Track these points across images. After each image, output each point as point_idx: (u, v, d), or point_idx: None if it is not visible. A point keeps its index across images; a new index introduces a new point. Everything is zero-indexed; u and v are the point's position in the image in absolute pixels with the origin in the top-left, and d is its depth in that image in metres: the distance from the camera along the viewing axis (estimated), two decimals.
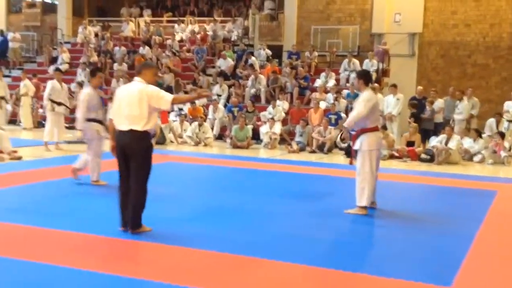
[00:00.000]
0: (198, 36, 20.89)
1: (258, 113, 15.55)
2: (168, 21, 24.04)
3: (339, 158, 12.89)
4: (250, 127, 14.72)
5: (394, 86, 14.97)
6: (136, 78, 5.63)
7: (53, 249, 4.98)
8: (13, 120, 17.80)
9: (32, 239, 5.30)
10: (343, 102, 15.70)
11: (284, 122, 15.44)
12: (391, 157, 12.86)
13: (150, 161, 5.54)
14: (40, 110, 17.56)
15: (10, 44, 22.11)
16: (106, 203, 7.02)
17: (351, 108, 14.31)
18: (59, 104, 11.97)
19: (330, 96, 16.00)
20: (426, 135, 13.94)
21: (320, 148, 13.80)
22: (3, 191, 7.56)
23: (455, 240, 5.82)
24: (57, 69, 12.64)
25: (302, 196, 7.94)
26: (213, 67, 19.19)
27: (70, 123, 15.40)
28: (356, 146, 6.97)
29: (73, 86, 18.66)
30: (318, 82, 17.07)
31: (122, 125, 5.49)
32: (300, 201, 7.57)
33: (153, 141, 5.81)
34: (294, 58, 18.69)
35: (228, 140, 14.56)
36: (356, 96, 14.92)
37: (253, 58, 18.55)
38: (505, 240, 6.05)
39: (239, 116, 15.01)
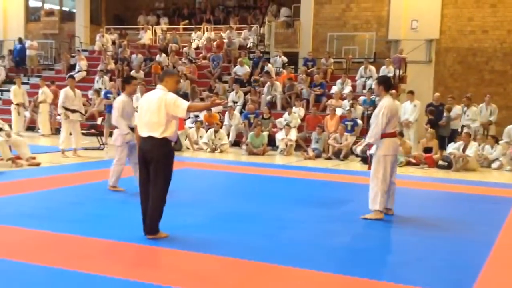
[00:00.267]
0: (214, 44, 20.97)
1: (274, 120, 15.55)
2: (185, 29, 24.18)
3: (356, 164, 12.83)
4: (266, 133, 14.73)
5: (411, 92, 14.89)
6: (158, 86, 5.71)
7: (71, 254, 5.01)
8: (31, 126, 17.99)
9: (50, 245, 5.33)
10: (359, 109, 15.65)
11: (300, 128, 15.41)
12: (408, 163, 12.78)
13: (170, 168, 5.57)
14: (58, 117, 17.72)
15: (28, 52, 22.37)
16: (123, 209, 7.07)
17: (368, 115, 14.33)
18: (73, 111, 12.03)
19: (346, 103, 15.96)
20: (442, 141, 13.83)
21: (336, 154, 13.76)
22: (22, 196, 7.63)
23: (474, 247, 5.75)
24: (71, 76, 12.72)
25: (318, 203, 7.91)
26: (229, 74, 19.25)
27: (88, 129, 15.57)
28: (372, 151, 6.96)
29: (90, 93, 18.84)
30: (334, 89, 17.04)
31: (143, 132, 5.59)
32: (316, 208, 7.54)
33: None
34: (310, 65, 18.68)
35: (244, 147, 14.57)
36: (372, 102, 14.95)
37: (269, 65, 18.58)
38: None
39: (255, 122, 15.02)
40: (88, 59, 21.86)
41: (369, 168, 7.23)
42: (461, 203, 8.61)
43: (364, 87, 17.27)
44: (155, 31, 23.84)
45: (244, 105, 16.96)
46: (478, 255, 5.42)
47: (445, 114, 14.28)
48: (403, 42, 18.77)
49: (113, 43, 22.90)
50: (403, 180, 9.58)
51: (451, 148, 12.86)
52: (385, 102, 6.85)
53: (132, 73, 19.56)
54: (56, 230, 5.75)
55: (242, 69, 18.62)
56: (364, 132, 14.36)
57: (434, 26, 18.73)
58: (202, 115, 16.10)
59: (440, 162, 12.67)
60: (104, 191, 8.27)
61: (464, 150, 12.48)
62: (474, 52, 18.54)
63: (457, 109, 14.48)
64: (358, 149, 7.29)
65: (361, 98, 16.24)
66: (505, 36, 18.15)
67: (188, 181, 9.42)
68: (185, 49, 21.22)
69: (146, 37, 22.95)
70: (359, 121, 15.07)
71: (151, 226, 5.55)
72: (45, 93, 17.11)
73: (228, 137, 15.32)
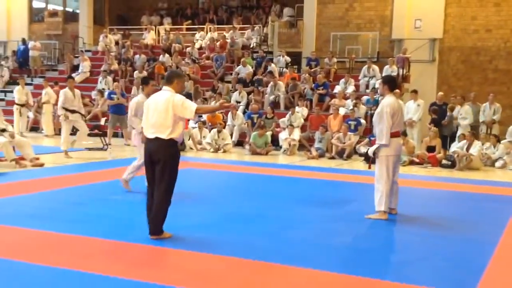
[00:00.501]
0: (217, 44, 20.99)
1: (277, 120, 15.55)
2: (188, 29, 24.19)
3: (359, 164, 12.82)
4: (269, 133, 14.73)
5: (415, 92, 14.87)
6: (165, 87, 5.69)
7: (74, 255, 5.01)
8: (35, 127, 18.02)
9: (53, 245, 5.34)
10: (362, 108, 15.64)
11: (303, 128, 15.41)
12: (412, 163, 12.77)
13: (175, 169, 5.58)
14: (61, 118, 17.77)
15: (31, 53, 22.41)
16: (126, 209, 7.09)
17: (371, 115, 14.32)
18: (73, 112, 12.02)
19: (350, 102, 15.95)
20: (444, 141, 13.81)
21: (340, 154, 13.75)
22: (26, 197, 7.65)
23: (478, 247, 5.74)
24: (70, 77, 12.68)
25: (322, 202, 7.91)
26: (232, 74, 19.25)
27: (91, 130, 15.59)
28: (370, 151, 6.97)
29: (93, 93, 18.87)
30: (338, 88, 17.03)
31: (150, 133, 5.59)
32: (320, 207, 7.54)
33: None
34: (313, 65, 18.67)
35: (247, 147, 14.58)
36: (376, 102, 14.93)
37: (272, 65, 18.58)
38: None
39: (258, 122, 15.03)
40: (92, 60, 21.89)
41: (369, 167, 7.23)
42: (464, 202, 8.60)
43: (367, 87, 17.26)
44: (158, 31, 23.87)
45: (247, 105, 16.97)
46: (482, 254, 5.40)
47: (448, 113, 14.27)
48: (407, 42, 18.73)
49: (117, 43, 22.94)
50: (407, 180, 9.58)
51: (455, 147, 12.84)
52: (388, 101, 6.84)
53: (135, 73, 19.60)
54: (59, 230, 5.76)
55: (244, 69, 18.61)
56: (367, 132, 14.39)
57: (438, 25, 18.69)
58: (205, 115, 16.11)
59: (444, 161, 12.66)
60: (107, 191, 8.29)
61: (467, 149, 12.46)
62: (478, 51, 18.49)
63: (461, 108, 14.45)
64: (370, 150, 7.23)
65: (365, 98, 16.23)
66: (509, 35, 18.09)
67: (192, 181, 9.42)
68: (188, 49, 21.23)
69: (149, 37, 22.98)
70: (363, 121, 15.06)
71: (155, 226, 5.55)
72: (48, 93, 17.14)
73: (231, 137, 15.33)
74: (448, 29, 18.75)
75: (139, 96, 8.31)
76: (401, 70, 17.24)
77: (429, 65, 18.79)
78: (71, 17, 25.88)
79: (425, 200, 8.77)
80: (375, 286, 4.45)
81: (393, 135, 6.86)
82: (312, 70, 18.25)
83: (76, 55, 22.53)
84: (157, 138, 5.51)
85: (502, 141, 13.36)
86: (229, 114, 16.11)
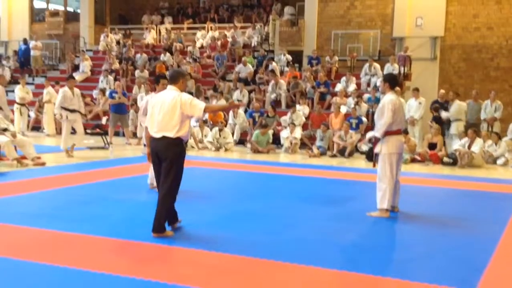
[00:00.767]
0: (219, 43, 20.99)
1: (278, 118, 15.55)
2: (189, 28, 24.20)
3: (361, 162, 12.82)
4: (270, 132, 14.73)
5: (417, 90, 14.86)
6: (170, 87, 5.71)
7: (78, 253, 5.02)
8: (36, 126, 18.04)
9: (58, 244, 5.34)
10: (364, 107, 15.64)
11: (304, 126, 15.41)
12: (413, 161, 12.77)
13: (181, 167, 5.62)
14: (58, 116, 17.78)
15: (32, 52, 22.44)
16: (130, 208, 7.09)
17: (372, 113, 14.31)
18: (72, 111, 12.02)
19: (351, 101, 15.95)
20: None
21: (341, 152, 13.75)
22: (28, 196, 7.66)
23: (479, 244, 5.74)
24: (71, 77, 12.65)
25: (323, 200, 7.91)
26: (233, 73, 19.25)
27: (93, 129, 15.61)
28: (377, 149, 6.96)
29: (95, 93, 18.88)
30: (339, 87, 17.03)
31: (156, 132, 5.59)
32: (322, 205, 7.54)
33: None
34: (315, 63, 18.67)
35: (249, 145, 14.58)
36: (377, 100, 14.92)
37: (273, 63, 18.58)
38: None
39: (260, 121, 15.04)
40: (93, 59, 21.92)
41: (374, 166, 7.22)
42: (466, 199, 8.60)
43: (368, 85, 17.27)
44: (159, 30, 23.89)
45: (248, 103, 16.97)
46: (484, 251, 5.40)
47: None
48: (408, 40, 18.74)
49: (118, 42, 22.97)
50: (408, 177, 9.58)
51: (457, 144, 12.84)
52: (389, 98, 6.84)
53: (137, 72, 19.61)
54: (63, 229, 5.77)
55: (245, 69, 18.62)
56: (369, 130, 14.36)
57: (439, 23, 18.68)
58: (206, 114, 16.09)
59: (445, 159, 12.66)
60: (109, 190, 8.31)
61: (469, 146, 12.46)
62: (479, 49, 18.48)
63: (462, 106, 14.44)
64: (368, 134, 7.25)
65: (366, 96, 16.23)
66: (511, 32, 18.08)
67: (193, 180, 9.42)
68: (189, 48, 21.24)
69: (150, 37, 23.01)
70: (364, 119, 15.06)
71: (158, 223, 5.56)
72: (50, 93, 17.15)
73: (233, 136, 15.33)
74: (449, 27, 18.74)
75: (151, 95, 8.29)
76: (402, 68, 17.24)
77: (430, 63, 18.78)
78: (72, 17, 25.91)
79: (426, 198, 8.77)
80: (378, 284, 4.45)
81: (395, 133, 6.87)
82: (313, 68, 18.24)
83: (77, 55, 22.55)
84: (164, 137, 5.52)
85: (504, 139, 13.35)
86: (231, 113, 16.12)
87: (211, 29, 22.93)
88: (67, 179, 9.20)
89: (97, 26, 24.93)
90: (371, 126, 14.10)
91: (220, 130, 14.66)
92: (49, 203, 7.25)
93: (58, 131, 17.22)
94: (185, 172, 5.77)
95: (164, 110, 5.54)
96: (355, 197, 8.34)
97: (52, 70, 23.12)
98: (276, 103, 16.74)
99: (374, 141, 7.12)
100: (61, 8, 26.12)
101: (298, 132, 14.67)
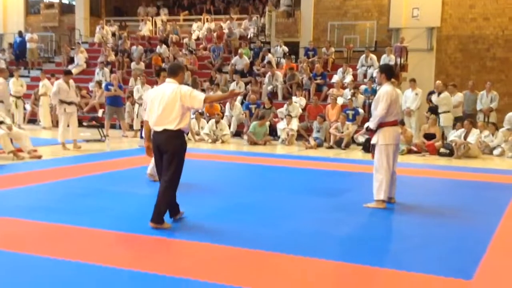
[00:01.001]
0: (215, 34, 20.93)
1: (275, 110, 15.54)
2: (185, 20, 24.12)
3: (357, 153, 12.84)
4: (267, 123, 14.73)
5: (413, 80, 14.85)
6: (170, 79, 5.73)
7: (77, 246, 5.01)
8: (32, 119, 17.99)
9: (56, 237, 5.34)
10: (360, 98, 15.64)
11: (301, 118, 15.41)
12: (410, 152, 12.79)
13: (182, 158, 5.66)
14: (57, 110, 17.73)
15: (28, 45, 22.35)
16: (128, 200, 7.09)
17: (369, 104, 14.31)
18: (69, 103, 12.00)
19: (348, 92, 15.94)
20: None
21: (338, 143, 13.76)
22: (25, 189, 7.65)
23: (476, 234, 5.76)
24: (69, 72, 12.56)
25: (320, 192, 7.92)
26: (229, 64, 19.21)
27: (89, 121, 15.57)
28: (373, 141, 6.96)
29: (91, 85, 18.83)
30: (335, 78, 17.02)
31: (157, 126, 5.61)
32: (318, 197, 7.55)
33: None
34: (311, 55, 18.64)
35: (245, 137, 14.58)
36: (374, 91, 14.91)
37: (269, 55, 18.54)
38: None
39: (256, 112, 15.02)
40: (88, 51, 21.85)
41: (373, 157, 7.22)
42: (462, 190, 8.62)
43: (365, 76, 17.27)
44: (155, 22, 23.80)
45: (245, 95, 16.95)
46: (480, 242, 5.42)
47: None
48: (404, 31, 18.70)
49: (113, 34, 22.87)
50: (405, 168, 9.60)
51: (453, 135, 12.86)
52: (385, 89, 6.84)
53: (133, 64, 19.56)
54: (61, 222, 5.76)
55: (241, 61, 18.58)
56: (365, 121, 14.36)
57: (435, 14, 18.64)
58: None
59: (442, 150, 12.68)
60: (106, 182, 8.30)
61: (465, 137, 12.48)
62: (476, 39, 18.47)
63: (458, 96, 14.46)
64: (365, 126, 7.29)
65: (362, 87, 16.22)
66: (507, 23, 18.06)
67: (190, 172, 9.35)
68: (185, 40, 21.18)
69: (146, 29, 22.92)
70: (361, 110, 15.07)
71: (157, 214, 5.56)
72: (45, 86, 17.10)
73: (229, 128, 15.33)
74: (445, 18, 18.71)
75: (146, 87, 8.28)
76: (398, 59, 17.23)
77: (426, 54, 18.76)
78: (67, 9, 25.76)
79: (423, 188, 8.79)
80: (375, 274, 4.47)
81: (391, 124, 6.87)
82: (310, 60, 18.22)
83: (73, 47, 22.46)
84: (165, 130, 5.54)
85: (501, 130, 13.37)
86: (227, 105, 16.10)
87: (207, 20, 22.85)
88: (63, 172, 9.18)
89: (92, 18, 24.81)
90: (367, 118, 14.10)
91: (217, 122, 14.65)
92: (46, 195, 7.24)
93: (54, 124, 17.22)
94: None
95: (164, 103, 5.55)
96: (351, 188, 8.36)
97: (47, 63, 23.04)
98: (272, 95, 16.72)
99: (370, 133, 7.13)
100: (56, 0, 25.98)
101: (295, 124, 14.67)
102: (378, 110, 6.81)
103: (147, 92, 8.32)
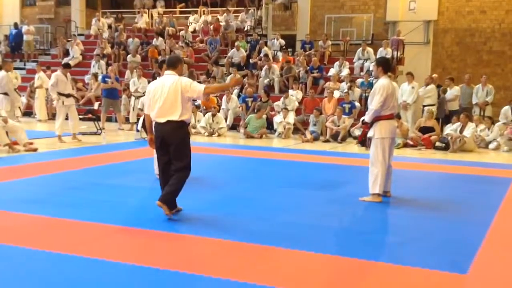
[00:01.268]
0: (211, 27, 20.86)
1: (271, 103, 15.52)
2: (181, 12, 24.03)
3: (353, 147, 12.84)
4: (264, 117, 14.72)
5: (410, 74, 14.84)
6: (169, 72, 5.81)
7: (72, 239, 5.01)
8: (28, 112, 17.94)
9: (51, 230, 5.34)
10: (357, 91, 15.64)
11: (298, 111, 15.40)
12: (406, 145, 12.80)
13: (189, 147, 5.76)
14: (54, 102, 17.67)
15: (24, 37, 22.26)
16: (124, 194, 7.08)
17: (365, 97, 14.31)
18: (68, 96, 11.98)
19: (344, 85, 15.93)
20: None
21: (334, 137, 13.77)
22: (21, 182, 7.64)
23: (471, 228, 5.78)
24: (68, 65, 12.54)
25: (316, 185, 7.93)
26: (226, 57, 19.17)
27: (85, 114, 15.53)
28: (369, 134, 6.97)
29: (87, 78, 18.77)
30: (332, 71, 17.00)
31: (159, 118, 5.66)
32: (314, 190, 7.56)
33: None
34: (308, 48, 18.61)
35: (242, 130, 14.57)
36: (370, 85, 14.92)
37: (266, 48, 18.50)
38: None
39: (253, 106, 15.01)
40: (84, 44, 21.76)
41: (367, 148, 7.22)
42: (458, 184, 8.64)
43: (362, 69, 17.25)
44: (151, 14, 23.70)
45: (241, 88, 16.92)
46: (475, 235, 5.44)
47: (440, 95, 14.31)
48: (401, 24, 18.68)
49: (109, 27, 22.78)
50: (401, 162, 9.62)
51: (449, 129, 12.88)
52: (382, 82, 6.84)
53: (129, 57, 19.49)
54: (57, 215, 5.76)
55: (237, 54, 18.54)
56: (361, 115, 14.35)
57: (432, 7, 18.63)
58: (199, 100, 16.05)
59: (438, 144, 12.70)
60: (102, 176, 8.30)
61: (461, 131, 12.50)
62: (472, 32, 18.46)
63: (455, 90, 14.47)
64: (369, 133, 7.31)
65: (359, 80, 16.21)
66: (504, 16, 18.06)
67: None
68: (182, 32, 21.11)
69: (142, 21, 22.82)
70: (357, 104, 15.07)
71: (171, 196, 5.69)
72: (41, 78, 17.04)
73: (226, 121, 15.31)
74: (442, 11, 18.69)
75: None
76: (395, 52, 17.21)
77: (423, 47, 18.76)
78: (63, 1, 25.59)
79: (419, 182, 8.81)
80: (370, 268, 4.48)
81: (387, 117, 6.87)
82: (307, 53, 18.19)
83: (69, 39, 22.37)
84: (168, 121, 5.61)
85: (496, 124, 13.39)
86: (224, 98, 16.08)
87: (204, 13, 22.77)
88: (59, 165, 9.17)
89: (88, 10, 24.69)
90: (364, 111, 14.10)
91: (213, 115, 14.63)
92: (42, 188, 7.22)
93: (50, 117, 17.19)
94: None
95: (165, 94, 5.63)
96: (347, 182, 8.37)
97: (43, 55, 22.94)
98: (269, 88, 16.70)
99: (365, 126, 7.13)
100: None
101: (291, 117, 14.67)
102: (373, 103, 6.81)
103: (148, 86, 8.31)
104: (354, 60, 17.66)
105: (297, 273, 4.29)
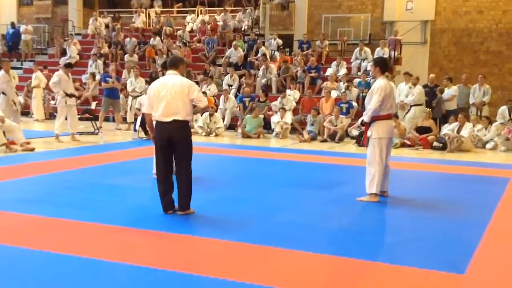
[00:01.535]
0: (209, 26, 20.85)
1: (269, 103, 15.52)
2: (179, 12, 24.01)
3: (351, 147, 12.85)
4: (261, 116, 14.72)
5: (408, 74, 14.84)
6: (172, 71, 5.88)
7: (69, 239, 5.00)
8: (25, 112, 17.88)
9: (48, 230, 5.33)
10: (354, 91, 15.64)
11: (295, 111, 15.40)
12: (403, 145, 12.81)
13: (192, 147, 5.88)
14: (52, 102, 17.64)
15: (23, 36, 22.21)
16: (120, 193, 7.07)
17: (363, 97, 14.32)
18: (70, 95, 11.99)
19: (342, 85, 15.94)
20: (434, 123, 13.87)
21: (332, 137, 13.77)
22: (18, 181, 7.62)
23: (468, 228, 5.79)
24: (69, 65, 12.54)
25: (314, 185, 7.93)
26: (223, 57, 19.15)
27: (82, 114, 15.49)
28: (369, 133, 6.97)
29: (84, 77, 18.73)
30: (329, 71, 17.00)
31: (166, 117, 5.69)
32: (312, 190, 7.56)
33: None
34: (305, 47, 18.61)
35: (239, 130, 14.56)
36: (368, 84, 14.93)
37: (263, 47, 18.50)
38: None
39: (250, 106, 15.01)
40: (82, 43, 21.72)
41: (365, 146, 7.22)
42: (455, 184, 8.64)
43: (359, 69, 17.25)
44: (148, 14, 23.67)
45: (239, 88, 16.92)
46: (473, 235, 5.45)
47: (438, 95, 14.31)
48: (398, 24, 18.69)
49: (107, 26, 22.73)
50: (398, 162, 9.62)
51: (446, 129, 12.90)
52: (379, 83, 6.84)
53: (126, 56, 19.47)
54: (54, 215, 5.75)
55: (235, 53, 18.53)
56: (359, 114, 14.36)
57: (429, 7, 18.64)
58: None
59: (435, 143, 12.71)
60: (99, 175, 8.28)
61: (458, 131, 12.51)
62: (469, 32, 18.48)
63: (452, 90, 14.48)
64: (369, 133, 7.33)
65: (356, 80, 16.22)
66: (501, 16, 18.08)
67: None
68: (179, 32, 21.09)
69: (139, 20, 22.79)
70: (354, 103, 15.07)
71: (187, 202, 5.86)
72: (38, 77, 17.01)
73: (223, 121, 15.30)
74: (439, 11, 18.71)
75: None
76: (392, 52, 17.22)
77: (420, 47, 18.78)
78: (61, 0, 25.50)
79: (416, 182, 8.81)
80: (368, 268, 4.48)
81: (385, 117, 6.88)
82: (304, 52, 18.19)
83: (66, 39, 22.32)
84: (175, 121, 5.68)
85: (494, 124, 13.41)
86: (221, 98, 16.08)
87: (201, 12, 22.75)
88: (57, 165, 9.15)
89: (85, 10, 24.65)
90: (361, 111, 14.10)
91: (211, 115, 14.62)
92: (39, 188, 7.21)
93: (47, 116, 17.17)
94: None
95: (172, 94, 5.68)
96: (345, 182, 8.37)
97: (40, 55, 22.89)
98: (266, 88, 16.69)
99: (365, 125, 7.12)
100: None
101: (289, 117, 14.66)
102: (371, 103, 6.81)
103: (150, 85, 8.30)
104: (351, 60, 17.66)
105: (295, 273, 4.29)
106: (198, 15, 22.63)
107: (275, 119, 14.70)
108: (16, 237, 5.03)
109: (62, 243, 4.84)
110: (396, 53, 17.44)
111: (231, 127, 15.63)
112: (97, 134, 13.70)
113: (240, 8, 22.36)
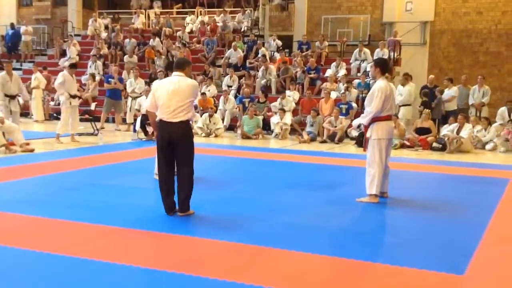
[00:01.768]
0: (208, 28, 20.86)
1: (269, 104, 15.52)
2: (178, 13, 24.02)
3: (350, 147, 12.85)
4: (261, 117, 14.72)
5: (408, 75, 14.83)
6: (178, 73, 5.89)
7: (69, 240, 5.00)
8: (24, 112, 17.87)
9: (48, 231, 5.32)
10: (354, 92, 15.64)
11: (295, 112, 15.40)
12: (403, 146, 12.81)
13: (193, 148, 5.94)
14: (51, 103, 17.65)
15: (22, 37, 22.22)
16: (120, 194, 7.07)
17: (362, 98, 14.32)
18: (74, 96, 11.99)
19: (341, 86, 15.94)
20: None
21: (331, 138, 13.77)
22: (17, 182, 7.62)
23: (468, 229, 5.79)
24: (74, 66, 12.56)
25: (313, 186, 7.93)
26: (223, 58, 19.16)
27: (81, 115, 15.49)
28: (368, 134, 6.98)
29: (83, 78, 18.72)
30: (329, 72, 17.01)
31: (172, 117, 5.71)
32: (311, 191, 7.56)
33: None
34: (305, 48, 18.62)
35: (239, 131, 14.56)
36: (367, 85, 14.94)
37: (263, 48, 18.51)
38: None
39: (250, 106, 15.02)
40: (81, 44, 21.72)
41: (365, 150, 7.23)
42: (455, 184, 8.64)
43: (358, 70, 17.27)
44: (148, 15, 23.68)
45: (238, 89, 16.92)
46: (472, 236, 5.45)
47: (438, 96, 14.32)
48: (398, 25, 18.71)
49: (106, 27, 22.74)
50: (398, 163, 9.62)
51: (446, 130, 12.90)
52: (379, 84, 6.84)
53: (126, 57, 19.47)
54: (54, 216, 5.74)
55: (235, 54, 18.54)
56: (358, 115, 14.35)
57: (429, 8, 18.67)
58: (196, 100, 16.04)
59: (435, 144, 12.71)
60: (99, 176, 8.27)
61: (458, 132, 12.51)
62: (469, 33, 18.50)
63: (452, 90, 14.48)
64: (355, 122, 7.37)
65: (356, 81, 16.22)
66: (500, 17, 18.11)
67: None
68: (178, 33, 21.10)
69: (139, 21, 22.80)
70: (354, 104, 15.08)
71: (187, 203, 5.87)
72: (38, 78, 17.01)
73: (223, 122, 15.31)
74: (439, 12, 18.74)
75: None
76: (392, 53, 17.23)
77: (420, 48, 18.80)
78: (60, 1, 25.54)
79: (416, 183, 8.82)
80: (367, 269, 4.48)
81: (385, 118, 6.88)
82: (303, 53, 18.21)
83: (65, 40, 22.32)
84: (181, 122, 5.73)
85: (493, 124, 13.41)
86: (221, 99, 16.08)
87: (201, 13, 22.76)
88: (56, 166, 9.15)
89: (85, 11, 24.66)
90: (361, 112, 14.10)
91: (210, 116, 14.63)
92: (39, 189, 7.21)
93: (47, 117, 17.16)
94: None
95: (178, 95, 5.71)
96: (345, 183, 8.37)
97: (40, 55, 22.89)
98: (266, 89, 16.69)
99: (365, 127, 7.13)
100: None
101: (288, 118, 14.67)
102: (372, 106, 6.80)
103: (154, 84, 8.30)
104: (351, 61, 17.67)
105: (295, 274, 4.29)
106: (197, 16, 22.65)
107: (274, 120, 14.70)
108: (16, 238, 5.03)
109: (62, 244, 4.84)
110: (395, 54, 17.46)
111: (231, 128, 15.64)
112: (96, 135, 13.70)
113: (239, 9, 22.37)
